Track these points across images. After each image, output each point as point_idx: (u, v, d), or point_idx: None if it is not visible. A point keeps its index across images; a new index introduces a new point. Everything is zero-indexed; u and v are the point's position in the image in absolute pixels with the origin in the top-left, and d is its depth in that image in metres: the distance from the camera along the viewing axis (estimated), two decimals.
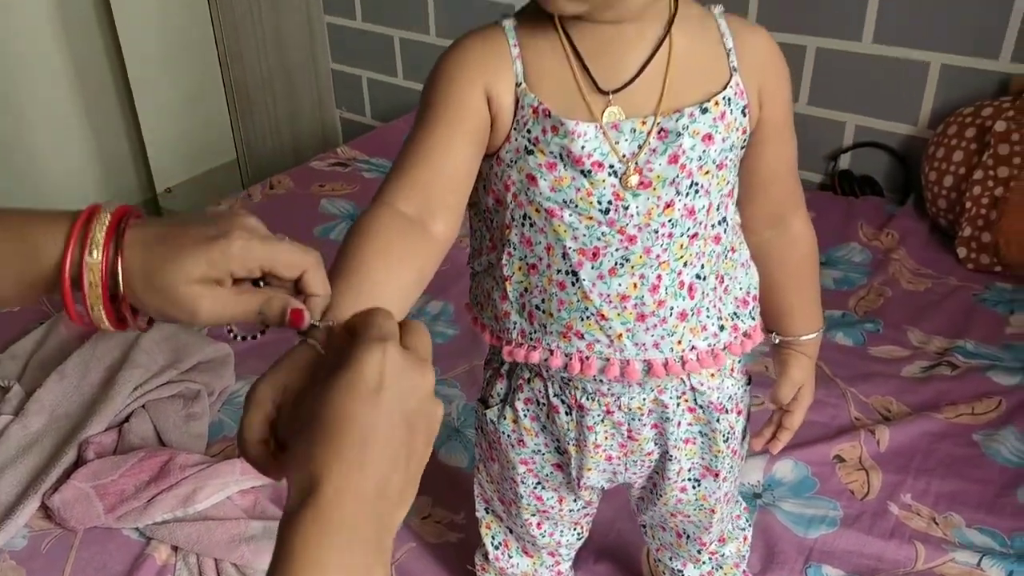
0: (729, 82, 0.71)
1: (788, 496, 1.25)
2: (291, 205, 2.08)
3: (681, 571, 1.00)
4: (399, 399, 0.51)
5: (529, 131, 0.70)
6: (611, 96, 0.69)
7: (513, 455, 0.88)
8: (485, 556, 1.02)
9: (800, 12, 1.94)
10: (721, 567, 1.00)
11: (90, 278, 0.55)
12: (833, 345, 1.53)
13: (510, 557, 1.00)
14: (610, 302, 0.74)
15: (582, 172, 0.70)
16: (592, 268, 0.73)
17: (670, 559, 1.01)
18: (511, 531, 0.99)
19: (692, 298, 0.75)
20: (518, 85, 0.70)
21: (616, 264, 0.73)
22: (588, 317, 0.74)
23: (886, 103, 1.95)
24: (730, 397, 0.84)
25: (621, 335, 0.75)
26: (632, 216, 0.71)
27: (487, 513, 0.99)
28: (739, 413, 0.86)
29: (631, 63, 0.69)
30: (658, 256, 0.73)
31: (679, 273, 0.74)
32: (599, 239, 0.72)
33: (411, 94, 2.70)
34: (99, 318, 0.57)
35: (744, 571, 1.03)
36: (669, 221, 0.72)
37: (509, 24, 0.72)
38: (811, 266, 0.88)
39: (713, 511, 0.91)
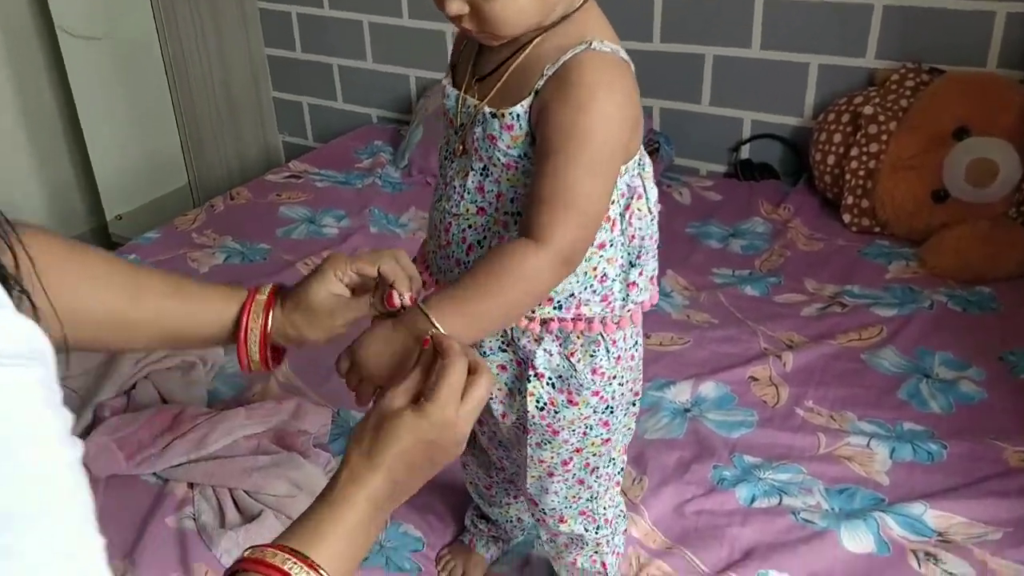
0: (524, 100, 0.83)
1: (712, 409, 1.48)
2: (252, 213, 2.26)
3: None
4: (437, 431, 0.71)
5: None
6: (476, 83, 0.89)
7: None
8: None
9: (697, 25, 2.25)
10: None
11: (252, 338, 0.84)
12: (742, 296, 1.80)
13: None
14: (432, 224, 0.96)
15: (450, 125, 0.92)
16: (433, 194, 0.96)
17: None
18: None
19: (468, 255, 0.91)
20: (449, 68, 0.95)
21: (437, 200, 0.95)
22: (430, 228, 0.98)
23: (776, 100, 2.25)
24: (555, 369, 0.92)
25: (434, 251, 0.96)
26: (449, 172, 0.92)
27: None
28: (567, 396, 0.93)
29: (494, 63, 0.87)
30: (452, 210, 0.91)
31: (463, 231, 0.91)
32: (441, 176, 0.94)
33: (350, 116, 2.91)
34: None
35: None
36: (463, 186, 0.89)
37: None
38: (500, 288, 0.81)
39: (527, 467, 1.00)
